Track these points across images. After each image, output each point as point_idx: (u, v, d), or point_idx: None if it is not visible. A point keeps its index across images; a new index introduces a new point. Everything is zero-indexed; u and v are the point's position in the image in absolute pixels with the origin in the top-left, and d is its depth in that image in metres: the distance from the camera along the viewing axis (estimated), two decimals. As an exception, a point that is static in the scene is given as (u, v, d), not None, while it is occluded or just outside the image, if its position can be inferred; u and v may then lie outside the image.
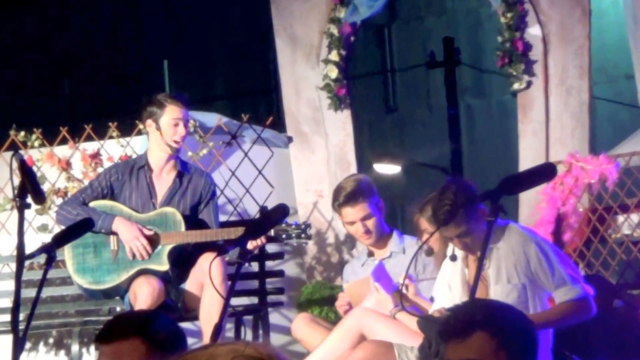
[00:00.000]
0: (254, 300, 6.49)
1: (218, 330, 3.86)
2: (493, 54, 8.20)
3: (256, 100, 10.31)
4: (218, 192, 6.56)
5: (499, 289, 4.77)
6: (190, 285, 5.82)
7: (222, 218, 6.61)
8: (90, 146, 7.53)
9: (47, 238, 6.04)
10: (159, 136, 5.92)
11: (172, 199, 5.94)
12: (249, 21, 10.21)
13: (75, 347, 6.25)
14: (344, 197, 5.58)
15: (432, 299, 5.10)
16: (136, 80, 10.44)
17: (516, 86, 7.89)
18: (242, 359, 1.92)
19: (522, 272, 4.75)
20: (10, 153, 5.52)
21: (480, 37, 9.80)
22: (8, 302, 6.57)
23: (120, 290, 5.88)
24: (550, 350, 4.81)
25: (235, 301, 6.14)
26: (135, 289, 5.70)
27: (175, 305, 5.83)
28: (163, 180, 5.98)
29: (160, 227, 5.83)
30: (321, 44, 8.31)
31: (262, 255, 6.51)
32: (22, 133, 7.54)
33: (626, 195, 7.26)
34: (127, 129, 7.59)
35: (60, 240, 4.26)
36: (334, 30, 8.22)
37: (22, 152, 7.31)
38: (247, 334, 6.12)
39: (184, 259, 5.84)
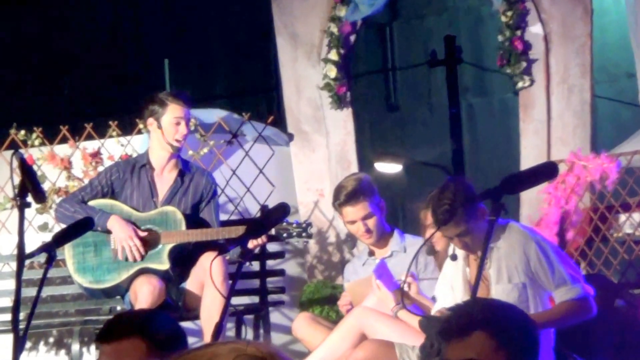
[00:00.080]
0: (255, 299, 6.48)
1: (219, 329, 3.86)
2: (494, 53, 8.19)
3: (257, 99, 10.30)
4: (219, 191, 6.56)
5: (500, 288, 4.76)
6: (191, 284, 5.81)
7: (223, 217, 6.61)
8: (91, 145, 7.52)
9: (48, 237, 6.03)
10: (161, 135, 5.91)
11: (173, 198, 5.93)
12: (250, 20, 10.20)
13: (75, 347, 6.24)
14: (344, 196, 5.57)
15: (434, 299, 5.09)
16: (136, 79, 10.43)
17: (520, 84, 7.87)
18: (244, 358, 1.91)
19: (523, 271, 4.74)
20: (10, 152, 5.53)
21: (481, 35, 9.80)
22: (8, 301, 6.57)
23: (121, 290, 5.87)
24: (552, 349, 4.80)
25: (236, 300, 6.13)
26: (135, 288, 5.69)
27: (176, 305, 5.82)
28: (164, 179, 5.97)
29: (161, 226, 5.82)
30: (322, 42, 8.29)
31: (263, 255, 6.50)
32: (23, 132, 7.53)
33: (628, 194, 7.26)
34: (128, 128, 7.59)
35: (61, 239, 4.26)
36: (334, 29, 8.20)
37: (22, 151, 7.31)
38: (248, 333, 6.11)
39: (184, 258, 5.83)
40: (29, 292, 6.21)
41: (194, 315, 5.82)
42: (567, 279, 4.70)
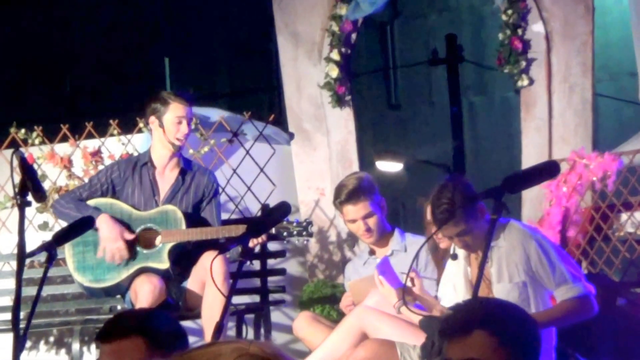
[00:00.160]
0: (256, 298, 6.48)
1: (219, 328, 3.85)
2: (495, 51, 8.18)
3: (258, 98, 10.30)
4: (220, 190, 6.55)
5: (501, 287, 4.75)
6: (191, 283, 5.81)
7: (224, 216, 6.60)
8: (91, 144, 7.52)
9: (48, 236, 6.03)
10: (162, 133, 5.91)
11: (174, 197, 5.92)
12: (251, 18, 10.20)
13: (76, 346, 6.23)
14: (345, 195, 5.57)
15: (437, 298, 5.08)
16: (137, 77, 10.43)
17: (519, 84, 7.86)
18: (247, 358, 1.90)
19: (523, 270, 4.73)
20: (10, 151, 5.53)
21: (483, 34, 9.79)
22: (9, 301, 6.57)
23: (121, 289, 5.86)
24: (554, 348, 4.78)
25: (236, 299, 6.12)
26: (136, 287, 5.69)
27: (177, 304, 5.81)
28: (166, 177, 5.97)
29: (161, 225, 5.81)
30: (323, 41, 8.28)
31: (263, 254, 6.50)
32: (23, 131, 7.52)
33: (630, 193, 7.25)
34: (128, 127, 7.58)
35: (61, 238, 4.26)
36: (335, 27, 8.19)
37: (22, 149, 7.30)
38: (249, 333, 6.10)
39: (185, 257, 5.83)
40: (29, 291, 6.20)
41: (195, 315, 5.81)
42: (568, 278, 4.69)
